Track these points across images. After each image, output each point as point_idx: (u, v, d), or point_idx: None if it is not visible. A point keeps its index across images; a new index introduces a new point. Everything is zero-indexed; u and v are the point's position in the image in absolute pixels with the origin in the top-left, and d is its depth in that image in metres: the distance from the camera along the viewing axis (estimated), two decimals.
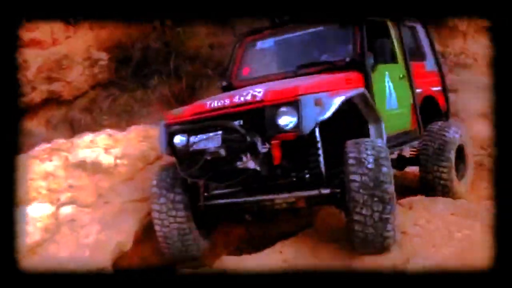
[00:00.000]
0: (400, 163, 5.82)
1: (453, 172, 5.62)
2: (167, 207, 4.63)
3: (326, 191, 4.25)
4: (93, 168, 5.11)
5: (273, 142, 4.19)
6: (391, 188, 4.04)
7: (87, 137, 5.58)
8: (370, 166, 4.02)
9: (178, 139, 4.46)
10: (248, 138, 4.16)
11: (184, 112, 4.67)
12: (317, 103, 4.19)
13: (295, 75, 5.13)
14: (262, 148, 4.18)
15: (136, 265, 4.85)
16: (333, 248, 4.46)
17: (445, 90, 6.50)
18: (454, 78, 7.88)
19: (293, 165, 4.42)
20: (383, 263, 4.07)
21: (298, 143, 4.29)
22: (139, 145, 5.61)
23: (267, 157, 4.21)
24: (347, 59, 5.00)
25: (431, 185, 5.58)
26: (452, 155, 5.63)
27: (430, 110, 6.02)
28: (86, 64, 8.01)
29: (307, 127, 4.13)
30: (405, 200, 5.04)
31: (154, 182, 4.72)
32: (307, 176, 4.36)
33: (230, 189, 4.77)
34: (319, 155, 4.32)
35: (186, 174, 4.46)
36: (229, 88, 5.54)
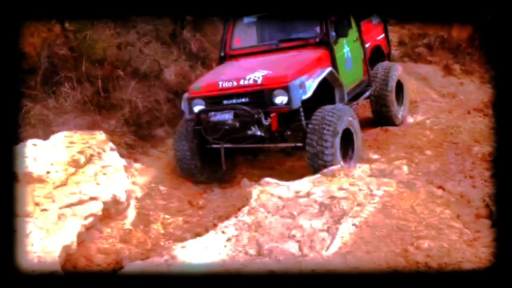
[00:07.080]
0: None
1: (394, 99, 7.79)
2: (183, 146, 6.69)
3: (299, 144, 6.28)
4: (25, 178, 5.12)
5: (272, 115, 6.07)
6: (328, 135, 5.88)
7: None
8: (316, 126, 5.91)
9: (197, 108, 6.40)
10: (256, 116, 5.93)
11: (202, 88, 6.48)
12: (301, 86, 6.00)
13: (277, 48, 6.93)
14: (265, 122, 5.99)
15: (83, 265, 4.93)
16: None
17: (387, 36, 8.37)
18: None
19: (284, 129, 6.35)
20: (317, 226, 4.47)
21: (288, 114, 6.18)
22: (67, 151, 5.67)
23: (268, 126, 6.06)
24: (317, 39, 6.78)
25: (378, 110, 7.80)
26: (393, 85, 7.74)
27: (376, 54, 8.06)
28: None
29: (295, 104, 6.00)
30: (327, 170, 5.49)
31: (177, 131, 6.86)
32: (289, 134, 6.40)
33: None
34: (302, 121, 6.18)
35: (211, 138, 6.31)
36: (224, 58, 7.34)
